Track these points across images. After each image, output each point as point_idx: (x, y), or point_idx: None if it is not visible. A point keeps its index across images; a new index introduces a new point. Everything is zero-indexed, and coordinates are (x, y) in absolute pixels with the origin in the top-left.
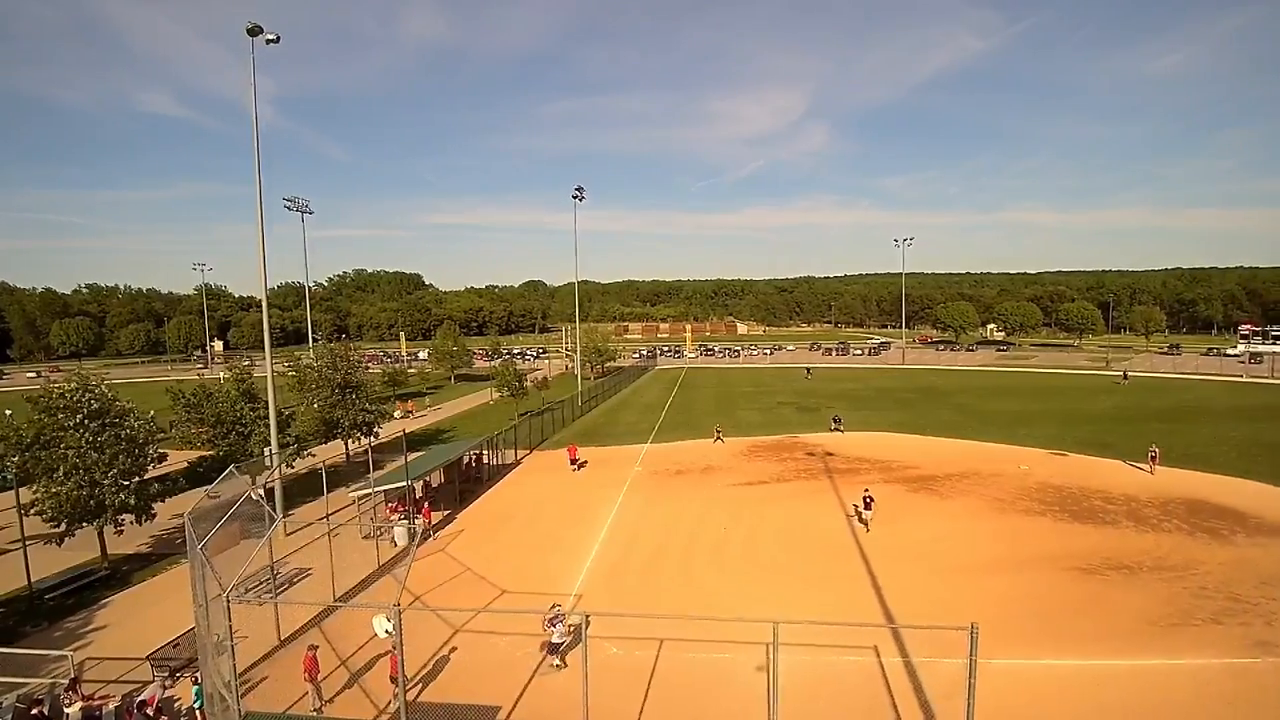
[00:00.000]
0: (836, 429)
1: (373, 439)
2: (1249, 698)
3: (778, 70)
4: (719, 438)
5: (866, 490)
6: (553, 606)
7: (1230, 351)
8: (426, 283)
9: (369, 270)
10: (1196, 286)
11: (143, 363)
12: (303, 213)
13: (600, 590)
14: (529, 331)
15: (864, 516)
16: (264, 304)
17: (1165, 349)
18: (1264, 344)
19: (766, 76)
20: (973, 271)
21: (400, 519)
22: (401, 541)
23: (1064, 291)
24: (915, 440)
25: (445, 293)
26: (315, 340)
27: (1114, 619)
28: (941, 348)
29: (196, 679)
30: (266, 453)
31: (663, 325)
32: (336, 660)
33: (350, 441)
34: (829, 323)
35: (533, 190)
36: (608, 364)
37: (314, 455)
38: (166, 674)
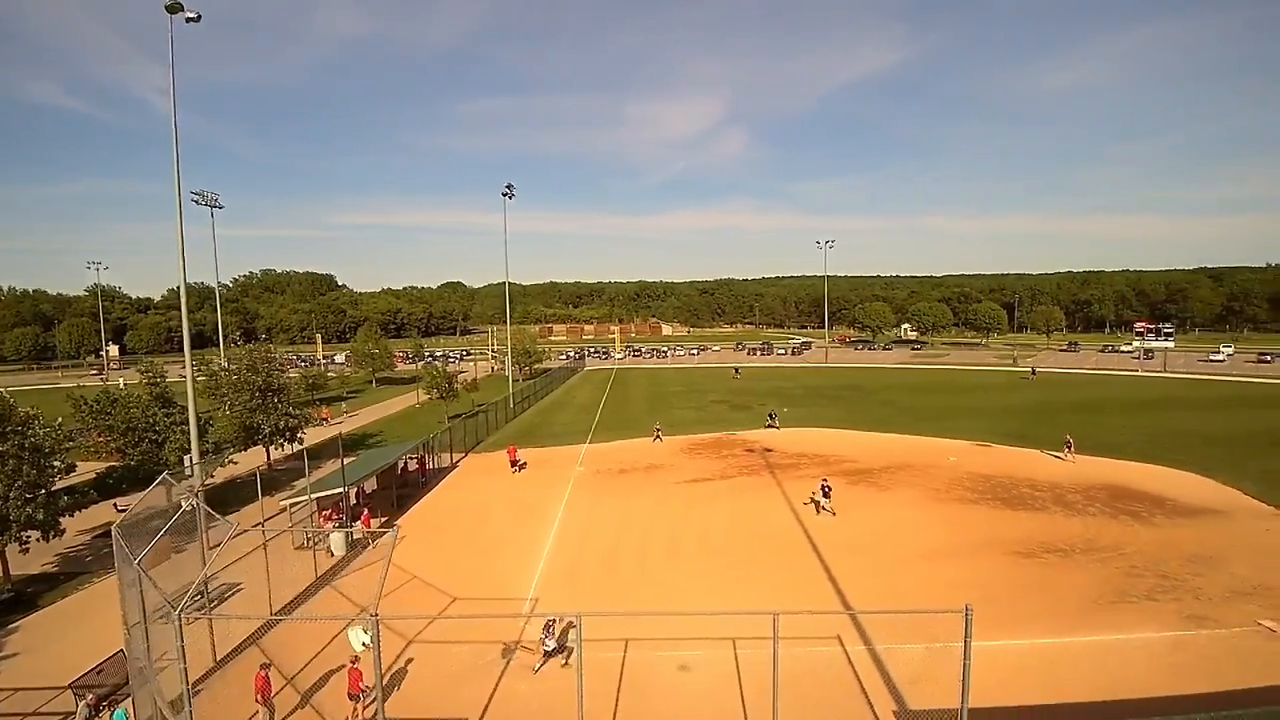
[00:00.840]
0: (771, 425)
1: (296, 445)
2: (1194, 667)
3: (698, 76)
4: (658, 437)
5: (825, 480)
6: (546, 623)
7: (1124, 348)
8: (340, 284)
9: (278, 271)
10: (1088, 288)
11: (31, 369)
12: (212, 208)
13: (559, 592)
14: (450, 334)
15: (824, 505)
16: (183, 303)
17: (1065, 346)
18: (1157, 341)
19: (688, 82)
20: (883, 275)
21: (336, 527)
22: (339, 551)
23: (970, 293)
24: (849, 435)
25: (360, 294)
26: (236, 342)
27: (1059, 599)
28: (860, 347)
29: (120, 704)
30: (187, 460)
31: (587, 327)
32: (282, 679)
33: (273, 448)
34: (751, 323)
35: (452, 190)
36: (536, 365)
37: (236, 463)
38: (93, 702)
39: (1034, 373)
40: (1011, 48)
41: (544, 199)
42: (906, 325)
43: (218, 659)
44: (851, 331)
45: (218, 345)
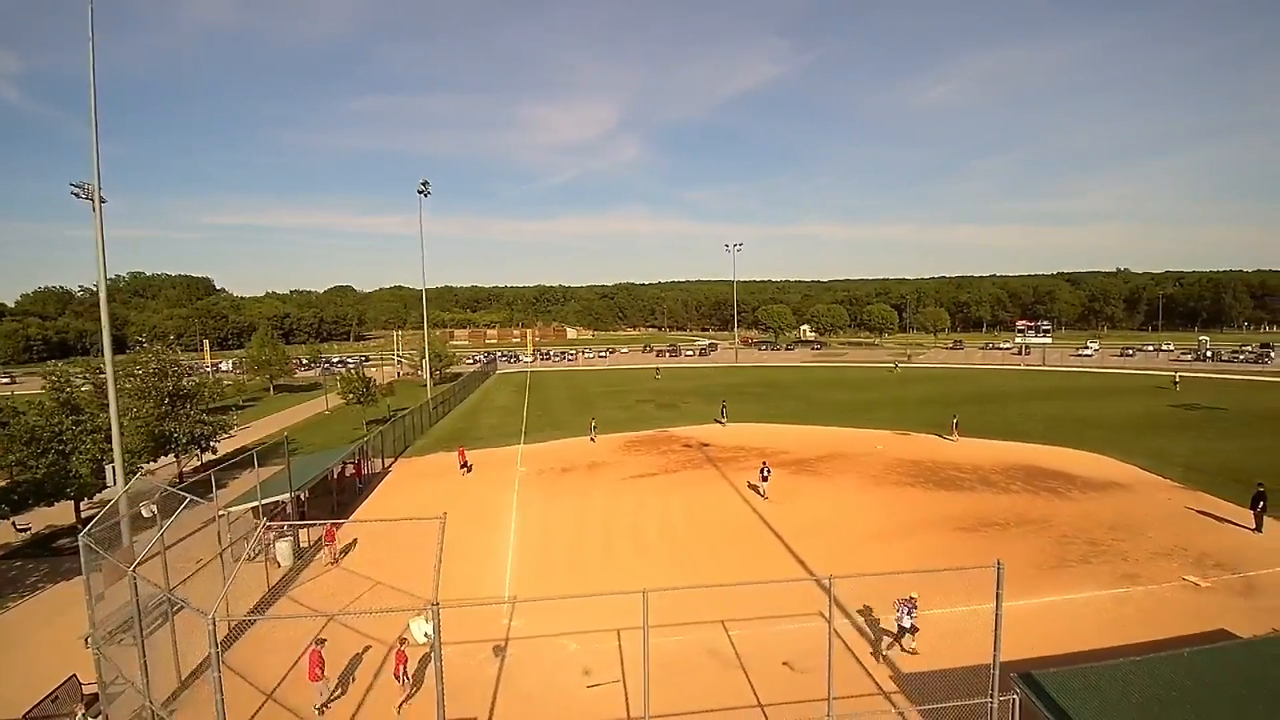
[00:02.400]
0: (720, 421)
1: (210, 454)
2: (1135, 619)
3: (591, 81)
4: (593, 436)
5: (765, 463)
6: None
7: (1003, 345)
8: (219, 287)
9: (148, 273)
10: (963, 291)
11: None
12: (98, 202)
13: (534, 588)
14: (343, 339)
15: (761, 489)
16: (103, 300)
17: (951, 345)
18: (1037, 337)
19: (580, 86)
20: (774, 279)
21: (283, 536)
22: (285, 560)
23: (859, 296)
24: (778, 429)
25: (243, 298)
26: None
27: (1012, 562)
28: (764, 347)
29: None
30: (110, 471)
31: (490, 331)
32: (259, 695)
33: (185, 457)
34: (654, 326)
35: (337, 190)
36: (447, 369)
37: (152, 474)
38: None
39: (896, 367)
40: (883, 67)
41: (435, 202)
42: (806, 326)
43: (182, 679)
44: (755, 333)
45: (87, 353)
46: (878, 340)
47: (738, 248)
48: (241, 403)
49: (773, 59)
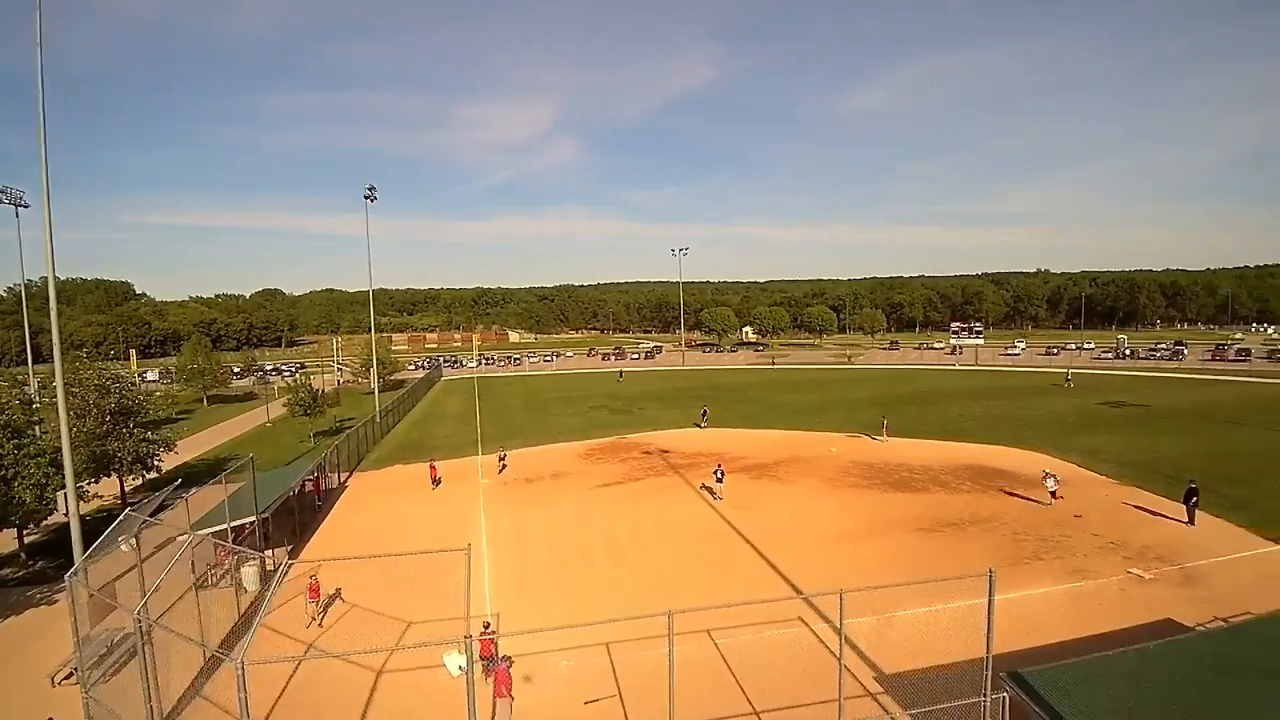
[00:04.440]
0: (700, 424)
1: (154, 473)
2: (1092, 611)
3: (528, 81)
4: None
5: (719, 465)
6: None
7: (937, 345)
8: (140, 292)
9: (62, 278)
10: (896, 292)
11: None
12: (17, 205)
13: (518, 604)
14: (274, 345)
15: (717, 490)
16: (53, 309)
17: (888, 345)
18: (969, 339)
19: (517, 87)
20: (713, 280)
21: (250, 561)
22: (251, 586)
23: (798, 298)
24: (735, 433)
25: (166, 304)
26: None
27: (967, 566)
28: (708, 350)
29: None
30: (61, 497)
31: (429, 335)
32: None
33: (129, 478)
34: (596, 329)
35: (265, 190)
36: (390, 376)
37: (101, 497)
38: None
39: (850, 360)
40: (816, 72)
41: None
42: (748, 328)
43: (165, 715)
44: (698, 335)
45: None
46: (818, 341)
47: (683, 252)
48: (174, 415)
49: (709, 62)
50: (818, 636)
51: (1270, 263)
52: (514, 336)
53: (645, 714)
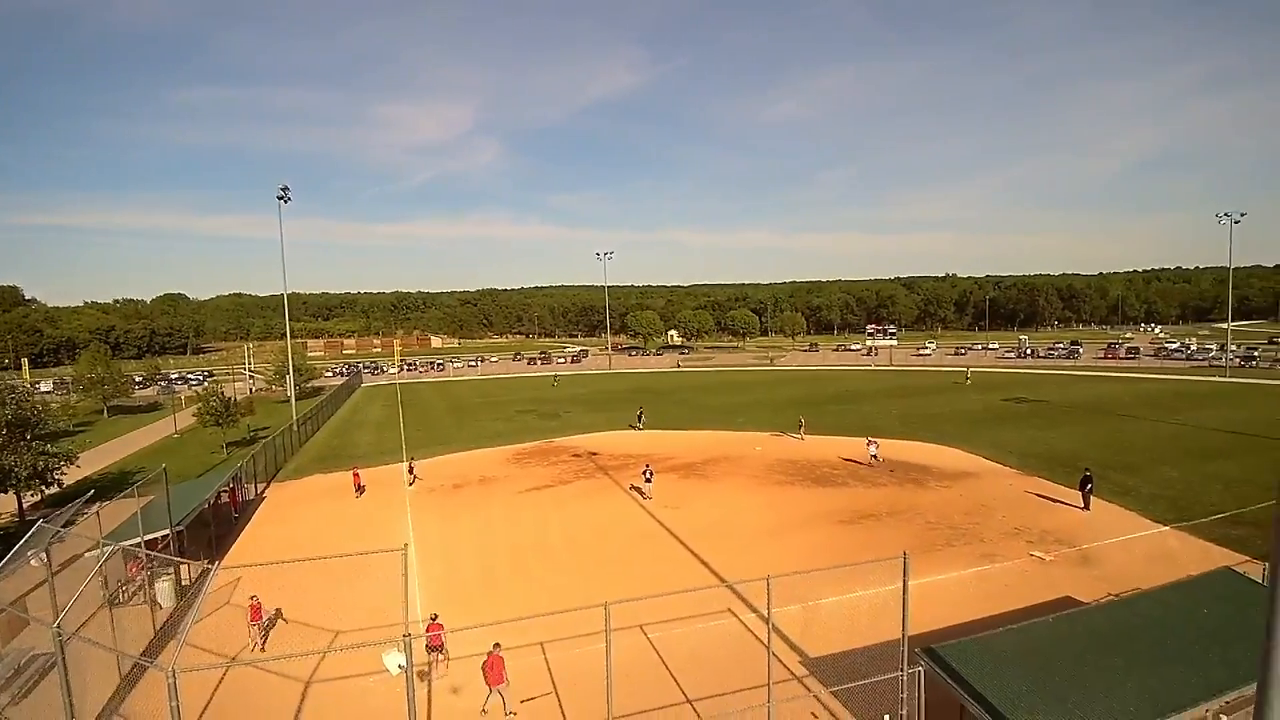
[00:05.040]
0: (636, 426)
1: (55, 487)
2: (998, 592)
3: (446, 81)
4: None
5: (648, 465)
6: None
7: (854, 346)
8: (28, 297)
9: None
10: (814, 296)
11: None
12: None
13: (449, 609)
14: (179, 352)
15: (645, 490)
16: None
17: (808, 347)
18: (884, 340)
19: (435, 86)
20: (638, 284)
21: (165, 575)
22: (166, 601)
23: (721, 301)
24: (661, 435)
25: (58, 309)
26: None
27: (886, 554)
28: (634, 353)
29: None
30: None
31: (347, 341)
32: None
33: (27, 494)
34: (521, 333)
35: (166, 189)
36: (307, 384)
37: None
38: None
39: (772, 361)
40: (736, 81)
41: (279, 202)
42: (673, 331)
43: None
44: (623, 338)
45: None
46: (741, 344)
47: (609, 256)
48: (73, 428)
49: (632, 68)
50: (747, 626)
51: (1156, 267)
52: (436, 342)
53: (581, 709)
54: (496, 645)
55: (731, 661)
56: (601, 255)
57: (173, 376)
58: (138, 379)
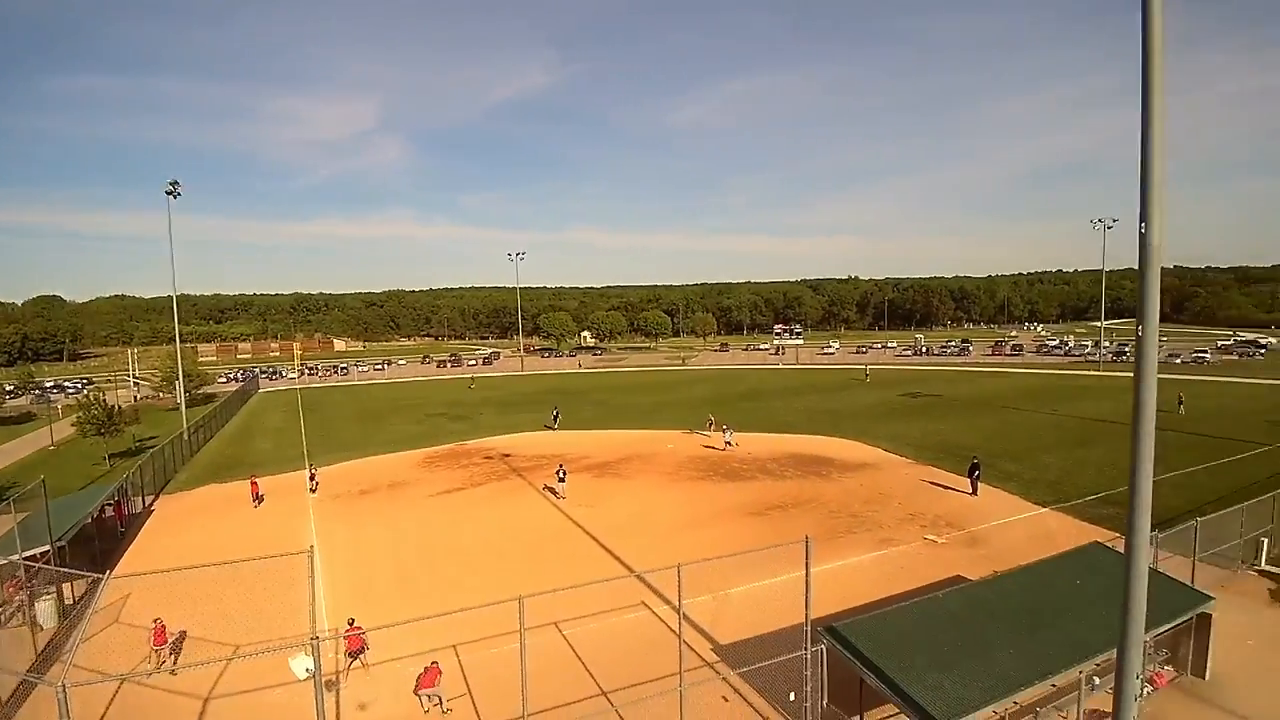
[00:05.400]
0: (551, 427)
1: None
2: (895, 574)
3: (350, 76)
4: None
5: (561, 465)
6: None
7: (762, 346)
8: None
9: None
10: (724, 297)
11: None
12: None
13: (362, 612)
14: (54, 359)
15: (559, 490)
16: None
17: (718, 347)
18: (790, 340)
19: (337, 81)
20: (550, 286)
21: (46, 595)
22: (49, 622)
23: (634, 302)
24: (575, 435)
25: None
26: None
27: (796, 539)
28: (546, 355)
29: None
30: None
31: (242, 345)
32: None
33: None
34: (430, 335)
35: (42, 185)
36: (199, 390)
37: None
38: None
39: (684, 362)
40: (645, 84)
41: (164, 198)
42: (586, 333)
43: None
44: (536, 340)
45: None
46: (654, 345)
47: (520, 256)
48: None
49: (543, 68)
50: (660, 617)
51: (1038, 270)
52: (340, 345)
53: (496, 708)
54: (435, 662)
55: (645, 652)
56: (513, 256)
57: (48, 384)
58: (9, 387)
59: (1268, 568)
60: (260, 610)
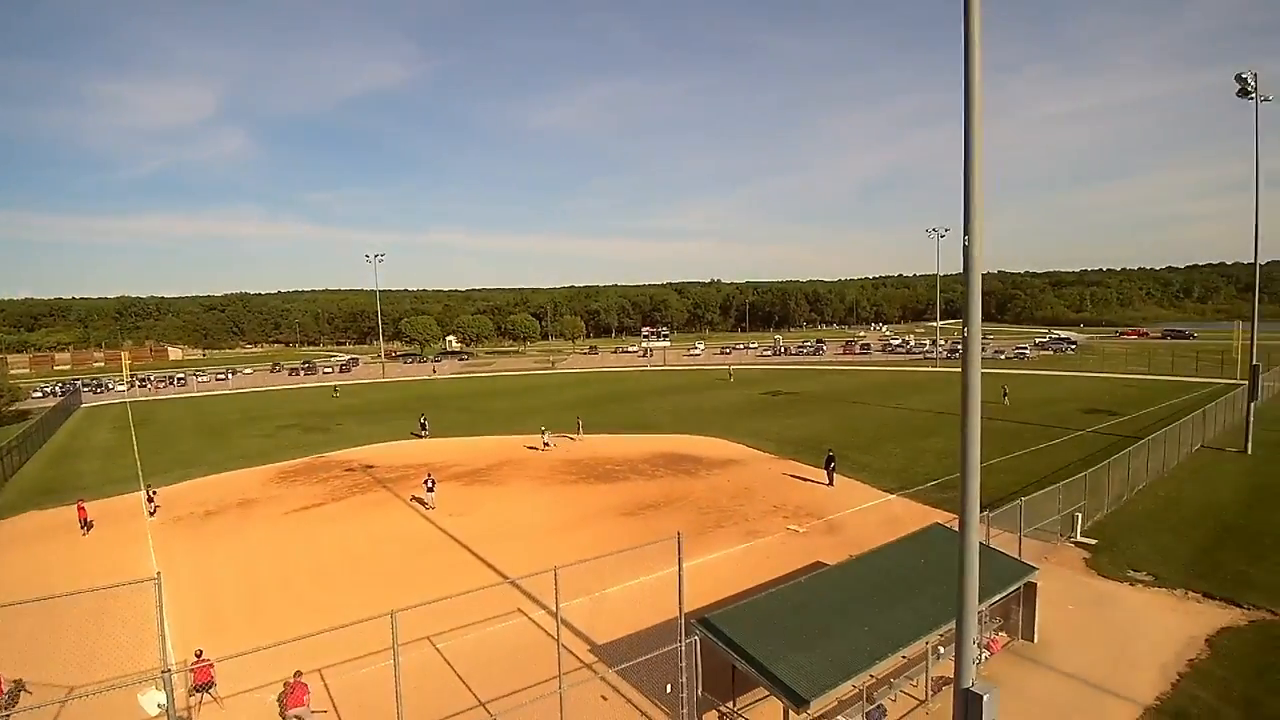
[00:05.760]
0: (420, 434)
1: None
2: (761, 563)
3: (184, 60)
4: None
5: (429, 475)
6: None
7: (630, 348)
8: None
9: None
10: (592, 300)
11: None
12: None
13: (213, 642)
14: None
15: (428, 500)
16: None
17: (588, 350)
18: (657, 342)
19: (169, 65)
20: (411, 289)
21: None
22: None
23: (501, 306)
24: (444, 443)
25: None
26: None
27: (668, 537)
28: (410, 360)
29: None
30: None
31: (59, 355)
32: None
33: None
34: (280, 342)
35: None
36: (8, 407)
37: None
38: None
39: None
40: (508, 84)
41: None
42: (451, 337)
43: None
44: (399, 345)
45: None
46: (522, 349)
47: (380, 259)
48: None
49: (401, 62)
50: (536, 623)
51: (883, 274)
52: (176, 353)
53: None
54: (298, 673)
55: (523, 659)
56: (372, 258)
57: None
58: None
59: (1082, 539)
60: (101, 648)
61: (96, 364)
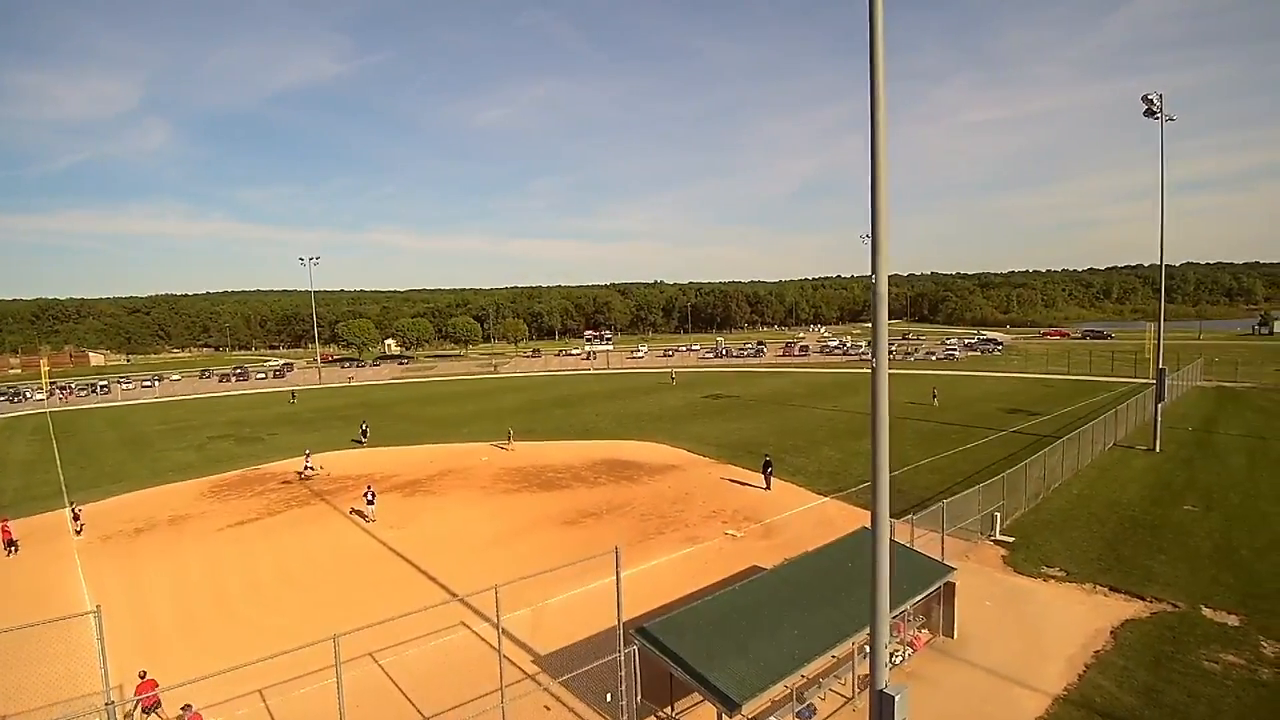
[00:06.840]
0: (359, 443)
1: None
2: (701, 568)
3: (103, 50)
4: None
5: (369, 487)
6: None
7: (574, 351)
8: None
9: None
10: (535, 302)
11: None
12: None
13: (150, 670)
14: None
15: (368, 514)
16: None
17: (530, 353)
18: (601, 345)
19: (87, 55)
20: (348, 290)
21: None
22: None
23: (441, 308)
24: (384, 452)
25: None
26: None
27: (607, 548)
28: (347, 365)
29: None
30: None
31: None
32: None
33: None
34: (209, 346)
35: None
36: None
37: None
38: None
39: (497, 369)
40: (447, 82)
41: None
42: (390, 340)
43: None
44: (335, 349)
45: None
46: (464, 352)
47: (315, 260)
48: None
49: (333, 56)
50: (480, 636)
51: (821, 276)
52: (97, 359)
53: None
54: (186, 707)
55: (466, 673)
56: (306, 259)
57: None
58: None
59: (1001, 537)
60: (34, 680)
61: (12, 370)
